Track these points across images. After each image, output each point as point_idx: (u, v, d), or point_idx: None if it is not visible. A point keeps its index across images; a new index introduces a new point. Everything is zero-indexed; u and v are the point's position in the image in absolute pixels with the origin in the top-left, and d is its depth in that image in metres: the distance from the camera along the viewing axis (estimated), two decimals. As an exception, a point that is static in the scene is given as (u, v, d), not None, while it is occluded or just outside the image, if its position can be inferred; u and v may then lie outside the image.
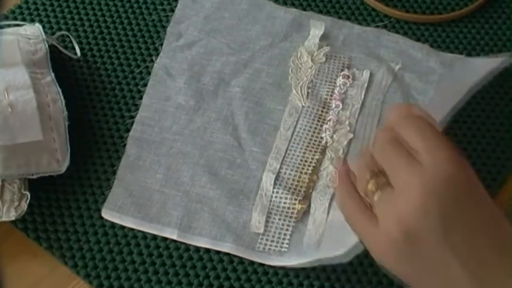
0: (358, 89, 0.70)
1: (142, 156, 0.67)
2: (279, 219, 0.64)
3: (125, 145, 0.68)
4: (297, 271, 0.63)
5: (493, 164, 0.68)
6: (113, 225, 0.64)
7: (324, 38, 0.73)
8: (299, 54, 0.72)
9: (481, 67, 0.65)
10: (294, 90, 0.70)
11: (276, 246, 0.63)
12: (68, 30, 0.74)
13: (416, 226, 0.47)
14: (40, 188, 0.65)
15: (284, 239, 0.63)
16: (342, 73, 0.71)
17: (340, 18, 0.76)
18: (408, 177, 0.48)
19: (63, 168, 0.64)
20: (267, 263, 0.62)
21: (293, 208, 0.64)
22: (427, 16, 0.77)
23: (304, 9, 0.76)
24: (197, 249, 0.63)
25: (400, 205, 0.48)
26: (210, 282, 0.62)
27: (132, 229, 0.64)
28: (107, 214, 0.64)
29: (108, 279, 0.62)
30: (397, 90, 0.70)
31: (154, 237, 0.64)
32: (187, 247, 0.63)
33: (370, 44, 0.74)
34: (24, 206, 0.63)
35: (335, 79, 0.71)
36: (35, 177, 0.63)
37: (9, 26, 0.71)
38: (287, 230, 0.63)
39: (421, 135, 0.49)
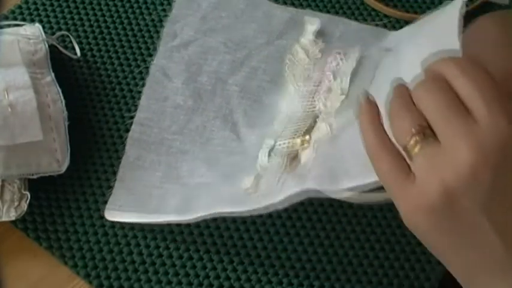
0: (350, 62, 0.68)
1: (142, 157, 0.67)
2: (271, 175, 0.61)
3: (125, 145, 0.68)
4: (297, 271, 0.63)
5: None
6: (113, 225, 0.64)
7: (320, 34, 0.73)
8: (294, 51, 0.72)
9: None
10: (290, 86, 0.70)
11: (270, 198, 0.59)
12: (68, 30, 0.74)
13: (459, 189, 0.42)
14: (40, 188, 0.65)
15: (275, 188, 0.60)
16: (335, 51, 0.69)
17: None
18: (460, 132, 0.42)
19: (63, 168, 0.64)
20: (263, 203, 0.59)
21: (285, 166, 0.62)
22: (427, 16, 0.77)
23: (304, 9, 0.76)
24: (197, 249, 0.63)
25: (446, 162, 0.42)
26: (210, 282, 0.62)
27: (132, 229, 0.64)
28: (108, 214, 0.64)
29: (108, 279, 0.62)
30: (391, 61, 0.69)
31: (154, 237, 0.64)
32: (187, 247, 0.63)
33: (367, 40, 0.73)
34: (24, 206, 0.63)
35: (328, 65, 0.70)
36: (35, 177, 0.64)
37: (9, 26, 0.71)
38: (278, 180, 0.61)
39: (479, 87, 0.43)
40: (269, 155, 0.65)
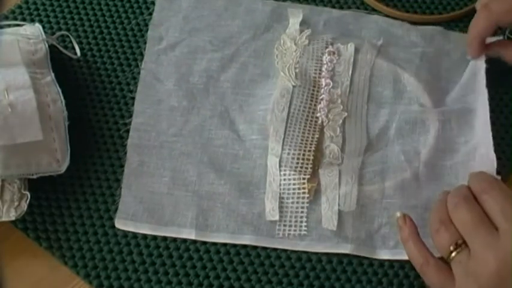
0: (345, 65, 0.72)
1: (145, 162, 0.67)
2: (292, 202, 0.65)
3: (126, 150, 0.68)
4: (297, 271, 0.63)
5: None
6: (113, 225, 0.64)
7: (304, 24, 0.74)
8: (282, 41, 0.73)
9: (460, 40, 0.73)
10: (281, 73, 0.71)
11: (295, 230, 0.64)
12: (68, 30, 0.74)
13: None
14: (40, 188, 0.65)
15: (301, 221, 0.64)
16: (327, 50, 0.72)
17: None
18: (487, 244, 0.53)
19: (63, 168, 0.64)
20: (289, 248, 0.63)
21: (303, 188, 0.65)
22: (427, 16, 0.77)
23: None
24: (197, 248, 0.63)
25: (477, 268, 0.53)
26: (210, 282, 0.62)
27: (132, 229, 0.64)
28: (120, 224, 0.64)
29: (108, 279, 0.62)
30: (383, 63, 0.72)
31: (154, 237, 0.64)
32: (187, 247, 0.63)
33: (351, 26, 0.75)
34: (24, 206, 0.63)
35: (321, 57, 0.72)
36: (35, 177, 0.63)
37: (9, 26, 0.71)
38: (302, 212, 0.64)
39: (499, 204, 0.54)
40: (279, 165, 0.65)
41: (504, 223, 0.53)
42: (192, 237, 0.64)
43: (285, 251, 0.63)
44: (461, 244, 0.54)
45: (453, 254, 0.54)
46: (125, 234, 0.64)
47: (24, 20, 0.74)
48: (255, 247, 0.64)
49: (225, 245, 0.64)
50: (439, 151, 0.67)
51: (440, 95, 0.70)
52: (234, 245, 0.64)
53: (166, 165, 0.67)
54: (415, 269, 0.58)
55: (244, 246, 0.64)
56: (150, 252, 0.63)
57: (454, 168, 0.67)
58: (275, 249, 0.63)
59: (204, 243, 0.64)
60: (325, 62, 0.72)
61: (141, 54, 0.73)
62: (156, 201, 0.65)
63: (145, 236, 0.64)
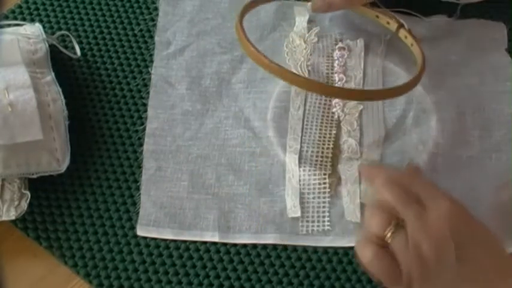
0: (356, 59, 0.72)
1: (162, 167, 0.67)
2: (313, 197, 0.65)
3: (124, 145, 0.68)
4: (297, 271, 0.63)
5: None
6: (113, 224, 0.64)
7: (310, 22, 0.74)
8: (291, 39, 0.73)
9: (465, 26, 0.74)
10: (294, 71, 0.71)
11: (319, 226, 0.64)
12: (68, 30, 0.74)
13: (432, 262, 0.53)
14: (40, 188, 0.65)
15: (324, 216, 0.64)
16: (337, 46, 0.72)
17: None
18: (419, 219, 0.54)
19: (63, 167, 0.64)
20: (314, 245, 0.63)
21: (324, 183, 0.65)
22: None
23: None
24: (197, 248, 0.63)
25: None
26: (210, 282, 0.62)
27: (132, 228, 0.64)
28: (142, 230, 0.64)
29: (108, 279, 0.62)
30: (394, 56, 0.72)
31: (154, 236, 0.64)
32: (187, 246, 0.63)
33: (357, 20, 0.75)
34: (24, 205, 0.63)
35: (331, 53, 0.72)
36: (35, 176, 0.64)
37: (9, 25, 0.71)
38: (324, 206, 0.65)
39: (426, 189, 0.56)
40: (299, 162, 0.66)
41: (430, 200, 0.55)
42: (216, 239, 0.64)
43: (285, 250, 0.63)
44: (396, 224, 0.55)
45: (390, 234, 0.55)
46: (125, 233, 0.64)
47: (24, 19, 0.74)
48: (255, 246, 0.64)
49: (225, 244, 0.64)
50: (455, 142, 0.68)
51: (453, 82, 0.71)
52: (234, 245, 0.64)
53: (184, 169, 0.67)
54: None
55: (244, 245, 0.64)
56: (150, 252, 0.63)
57: (468, 162, 0.67)
58: (275, 249, 0.63)
59: (204, 242, 0.64)
60: (336, 58, 0.72)
61: (142, 54, 0.73)
62: (177, 205, 0.65)
63: (145, 236, 0.64)
